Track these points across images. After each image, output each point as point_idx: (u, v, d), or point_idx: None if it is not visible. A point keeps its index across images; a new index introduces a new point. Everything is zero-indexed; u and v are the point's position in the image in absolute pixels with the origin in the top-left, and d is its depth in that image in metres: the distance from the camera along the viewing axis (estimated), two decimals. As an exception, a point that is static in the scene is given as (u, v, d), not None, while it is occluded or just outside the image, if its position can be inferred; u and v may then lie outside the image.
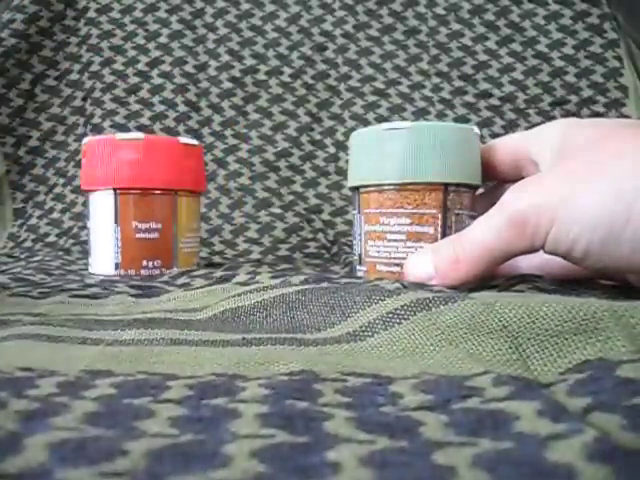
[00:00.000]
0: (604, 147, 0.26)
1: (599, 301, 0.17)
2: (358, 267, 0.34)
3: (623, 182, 0.23)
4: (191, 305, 0.26)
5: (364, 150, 0.33)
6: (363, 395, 0.14)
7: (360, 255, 0.33)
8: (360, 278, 0.32)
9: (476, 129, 0.33)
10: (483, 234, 0.27)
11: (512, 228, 0.26)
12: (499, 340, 0.17)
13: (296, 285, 0.24)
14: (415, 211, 0.31)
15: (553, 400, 0.13)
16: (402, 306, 0.20)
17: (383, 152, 0.31)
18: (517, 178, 0.32)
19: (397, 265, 0.31)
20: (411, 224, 0.31)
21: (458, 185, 0.31)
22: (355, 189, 0.33)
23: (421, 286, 0.28)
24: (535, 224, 0.25)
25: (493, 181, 0.35)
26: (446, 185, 0.31)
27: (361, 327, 0.20)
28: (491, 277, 0.32)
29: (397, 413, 0.13)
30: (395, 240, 0.31)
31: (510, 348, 0.17)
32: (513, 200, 0.26)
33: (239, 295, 0.24)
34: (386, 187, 0.31)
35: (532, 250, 0.26)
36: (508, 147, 0.33)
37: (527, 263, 0.32)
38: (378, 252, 0.32)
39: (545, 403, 0.12)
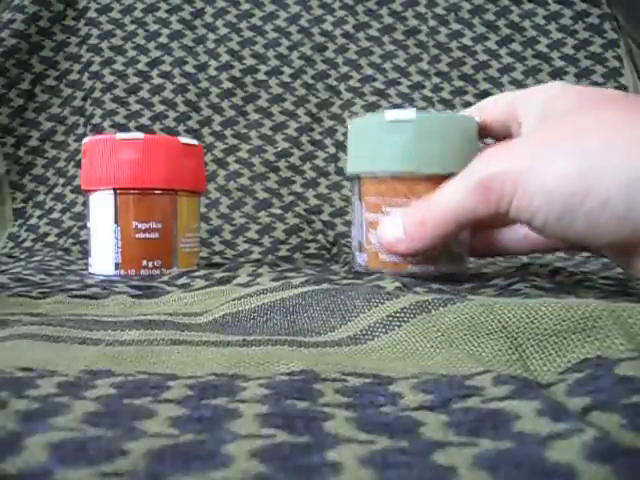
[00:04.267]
0: (578, 120, 0.26)
1: (597, 301, 0.17)
2: (358, 254, 0.33)
3: (587, 160, 0.23)
4: (191, 309, 0.26)
5: (366, 138, 0.32)
6: (363, 395, 0.14)
7: (360, 242, 0.33)
8: (361, 266, 0.32)
9: (477, 117, 0.33)
10: (448, 197, 0.27)
11: (477, 193, 0.26)
12: (499, 341, 0.17)
13: (296, 287, 0.24)
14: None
15: (553, 399, 0.13)
16: (402, 309, 0.20)
17: (387, 142, 0.31)
18: (507, 137, 0.33)
19: (400, 255, 0.31)
20: None
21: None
22: (356, 176, 0.33)
23: (419, 284, 0.28)
24: (499, 191, 0.25)
25: (484, 139, 0.35)
26: (450, 176, 0.30)
27: (361, 331, 0.20)
28: (477, 251, 0.34)
29: (397, 413, 0.13)
30: None
31: (510, 348, 0.17)
32: (480, 166, 0.27)
33: (239, 299, 0.24)
34: (390, 176, 0.31)
35: (498, 215, 0.26)
36: (501, 106, 0.32)
37: (511, 235, 0.34)
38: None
39: (545, 402, 0.12)
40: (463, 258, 0.33)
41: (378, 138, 0.31)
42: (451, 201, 0.27)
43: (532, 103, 0.30)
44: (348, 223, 0.55)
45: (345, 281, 0.29)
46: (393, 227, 0.29)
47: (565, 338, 0.16)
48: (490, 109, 0.33)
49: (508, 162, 0.26)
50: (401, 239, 0.29)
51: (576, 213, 0.23)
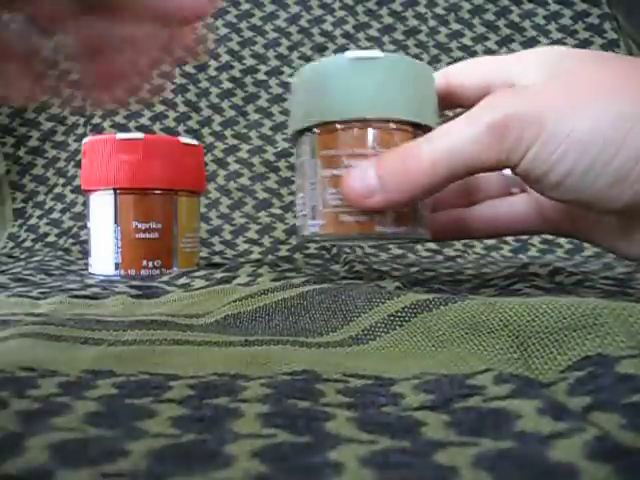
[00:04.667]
0: (604, 68, 0.23)
1: (597, 300, 0.17)
2: (311, 222, 0.28)
3: (623, 106, 0.21)
4: (193, 310, 0.26)
5: (322, 84, 0.27)
6: (365, 395, 0.14)
7: (314, 207, 0.27)
8: (314, 234, 0.27)
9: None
10: (450, 140, 0.23)
11: (489, 136, 0.23)
12: (500, 339, 0.17)
13: (297, 287, 0.24)
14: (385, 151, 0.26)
15: (554, 398, 0.13)
16: (403, 308, 0.20)
17: (350, 85, 0.26)
18: None
19: (365, 214, 0.26)
20: None
21: (425, 128, 0.27)
22: (305, 131, 0.28)
23: (419, 284, 0.28)
24: (517, 134, 0.22)
25: (455, 108, 0.30)
26: (415, 126, 0.27)
27: (363, 331, 0.20)
28: (439, 232, 0.29)
29: (399, 413, 0.13)
30: None
31: (512, 347, 0.17)
32: (494, 106, 0.23)
33: (240, 300, 0.24)
34: (353, 125, 0.26)
35: (502, 166, 0.23)
36: (480, 70, 0.28)
37: (476, 215, 0.31)
38: (341, 200, 0.26)
39: (546, 401, 0.12)
40: (427, 223, 0.28)
41: (338, 82, 0.27)
42: (452, 145, 0.23)
43: (531, 63, 0.26)
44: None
45: (345, 281, 0.29)
46: (364, 176, 0.25)
47: (566, 335, 0.16)
48: (465, 72, 0.28)
49: (530, 103, 0.23)
50: (374, 190, 0.24)
51: (607, 165, 0.21)
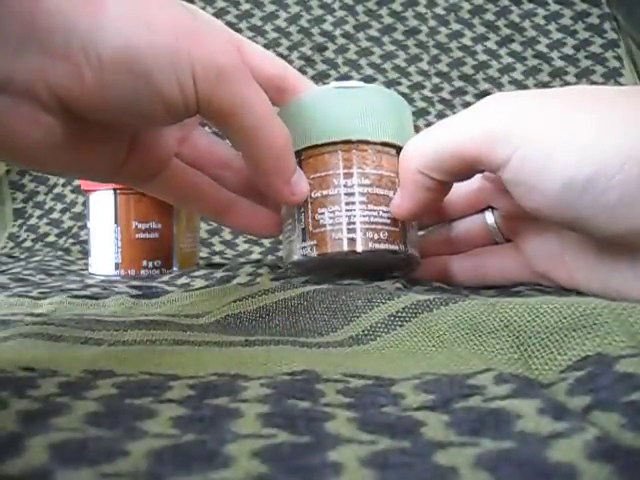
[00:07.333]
0: (603, 88, 0.23)
1: (597, 299, 0.17)
2: (302, 245, 0.28)
3: (628, 116, 0.19)
4: (193, 310, 0.26)
5: (308, 113, 0.28)
6: (365, 396, 0.14)
7: (304, 230, 0.28)
8: (305, 256, 0.28)
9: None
10: (441, 128, 0.25)
11: (475, 124, 0.22)
12: (501, 339, 0.17)
13: (297, 287, 0.24)
14: (375, 172, 0.27)
15: (554, 398, 0.13)
16: (403, 308, 0.20)
17: (336, 110, 0.28)
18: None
19: (356, 232, 0.27)
20: (371, 185, 0.27)
21: None
22: (296, 155, 0.27)
23: (419, 284, 0.28)
24: (506, 131, 0.21)
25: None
26: (399, 150, 0.28)
27: (364, 331, 0.20)
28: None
29: (399, 413, 0.13)
30: (353, 203, 0.27)
31: (512, 347, 0.17)
32: (491, 97, 0.23)
33: (240, 300, 0.24)
34: (340, 147, 0.27)
35: (488, 164, 0.22)
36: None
37: (459, 264, 0.30)
38: (332, 219, 0.27)
39: (546, 401, 0.12)
40: (417, 246, 0.29)
41: (324, 109, 0.28)
42: (439, 132, 0.24)
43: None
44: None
45: (345, 281, 0.29)
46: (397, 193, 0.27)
47: (566, 335, 0.16)
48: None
49: (529, 100, 0.22)
50: (398, 203, 0.26)
51: (613, 178, 0.19)
